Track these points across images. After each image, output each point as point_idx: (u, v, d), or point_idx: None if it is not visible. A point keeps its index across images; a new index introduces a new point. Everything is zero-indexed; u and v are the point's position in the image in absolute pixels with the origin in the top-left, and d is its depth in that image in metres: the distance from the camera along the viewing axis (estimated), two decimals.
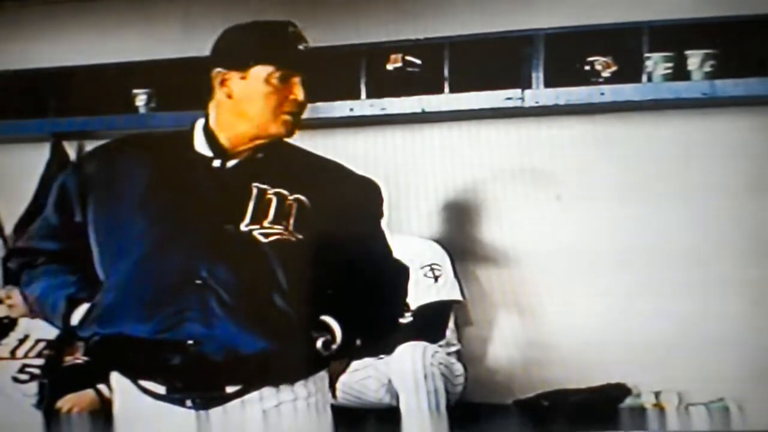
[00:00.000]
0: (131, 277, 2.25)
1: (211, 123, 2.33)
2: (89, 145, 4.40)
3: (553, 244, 4.00)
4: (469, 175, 4.13)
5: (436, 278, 3.86)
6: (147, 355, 2.24)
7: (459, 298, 3.92)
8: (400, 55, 4.12)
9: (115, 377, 2.34)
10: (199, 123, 2.35)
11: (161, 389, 2.26)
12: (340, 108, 4.13)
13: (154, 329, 2.23)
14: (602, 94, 3.87)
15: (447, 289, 3.88)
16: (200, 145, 2.34)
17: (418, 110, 4.08)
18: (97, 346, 2.30)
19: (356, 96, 4.15)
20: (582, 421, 3.70)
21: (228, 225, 2.27)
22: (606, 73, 3.90)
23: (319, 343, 2.29)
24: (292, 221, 2.29)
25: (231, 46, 2.33)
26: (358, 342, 2.35)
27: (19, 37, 4.49)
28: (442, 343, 3.80)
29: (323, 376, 2.39)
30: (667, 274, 3.83)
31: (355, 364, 3.76)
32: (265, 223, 2.28)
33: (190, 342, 2.22)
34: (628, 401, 3.85)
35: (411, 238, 3.95)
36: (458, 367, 3.82)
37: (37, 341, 3.72)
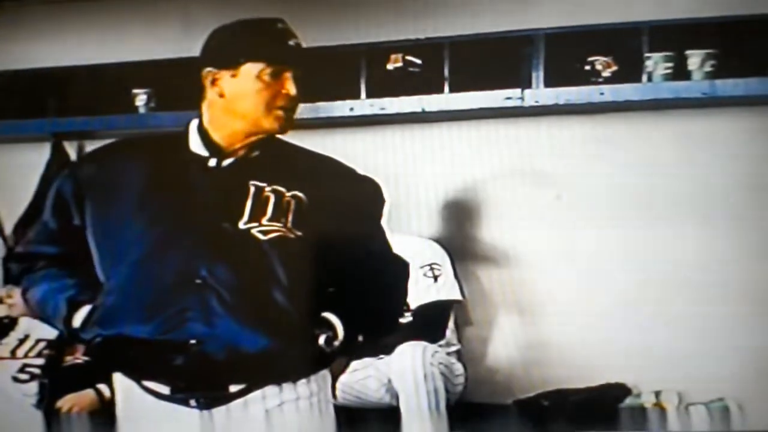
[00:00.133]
0: (131, 278, 2.26)
1: (205, 123, 2.33)
2: (89, 145, 4.40)
3: (553, 244, 4.00)
4: (469, 175, 4.12)
5: (435, 278, 3.86)
6: (150, 356, 2.25)
7: (459, 297, 3.92)
8: (400, 55, 4.12)
9: (118, 378, 2.35)
10: (194, 123, 2.36)
11: (165, 389, 2.27)
12: (340, 108, 4.13)
13: (156, 330, 2.23)
14: (602, 94, 3.87)
15: (447, 289, 3.88)
16: (195, 145, 2.34)
17: (418, 110, 4.08)
18: (100, 347, 2.30)
19: (356, 96, 4.14)
20: (582, 421, 3.70)
21: (226, 223, 2.27)
22: (606, 73, 3.89)
23: (321, 340, 2.29)
24: (290, 218, 2.29)
25: (220, 45, 2.33)
26: (360, 338, 2.35)
27: (19, 37, 4.49)
28: (442, 343, 3.80)
29: (325, 375, 2.39)
30: (667, 273, 3.83)
31: (354, 364, 3.76)
32: (264, 221, 2.28)
33: (192, 342, 2.23)
34: (628, 401, 3.84)
35: (411, 238, 3.94)
36: (458, 367, 3.81)
37: (38, 341, 3.72)
